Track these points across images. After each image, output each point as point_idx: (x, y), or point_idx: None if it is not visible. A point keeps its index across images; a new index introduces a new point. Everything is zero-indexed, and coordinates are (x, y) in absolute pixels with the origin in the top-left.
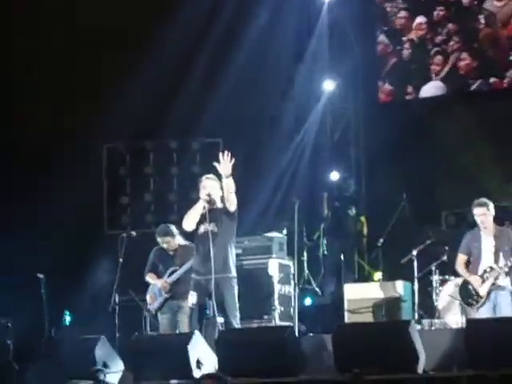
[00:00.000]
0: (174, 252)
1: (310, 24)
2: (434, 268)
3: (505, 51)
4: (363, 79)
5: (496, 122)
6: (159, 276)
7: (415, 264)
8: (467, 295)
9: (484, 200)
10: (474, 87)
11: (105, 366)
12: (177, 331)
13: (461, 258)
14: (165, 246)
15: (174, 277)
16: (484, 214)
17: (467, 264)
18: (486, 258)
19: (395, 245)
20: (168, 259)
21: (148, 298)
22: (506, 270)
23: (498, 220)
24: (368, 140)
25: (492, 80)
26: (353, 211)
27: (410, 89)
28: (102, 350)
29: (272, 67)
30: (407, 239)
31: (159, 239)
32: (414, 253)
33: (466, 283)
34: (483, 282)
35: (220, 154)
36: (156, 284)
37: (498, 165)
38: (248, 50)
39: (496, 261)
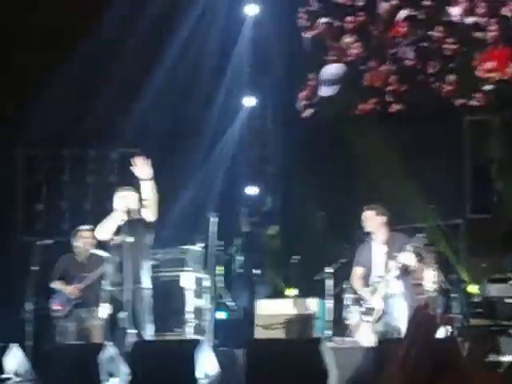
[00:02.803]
0: (84, 259)
1: (233, 38)
2: (346, 286)
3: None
4: (283, 96)
5: (417, 142)
6: (68, 283)
7: (328, 281)
8: (362, 311)
9: (372, 205)
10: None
11: (16, 374)
12: (85, 339)
13: (355, 272)
14: (80, 243)
15: (85, 282)
16: (370, 217)
17: (364, 276)
18: (377, 268)
19: (310, 262)
20: (77, 266)
21: (54, 304)
22: (396, 274)
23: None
24: (285, 156)
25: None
26: (269, 227)
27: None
28: (13, 359)
29: (193, 80)
30: (322, 257)
31: (77, 234)
32: (328, 270)
33: (360, 299)
34: (373, 293)
35: (134, 159)
36: (63, 290)
37: (417, 185)
38: (170, 62)
39: (387, 269)
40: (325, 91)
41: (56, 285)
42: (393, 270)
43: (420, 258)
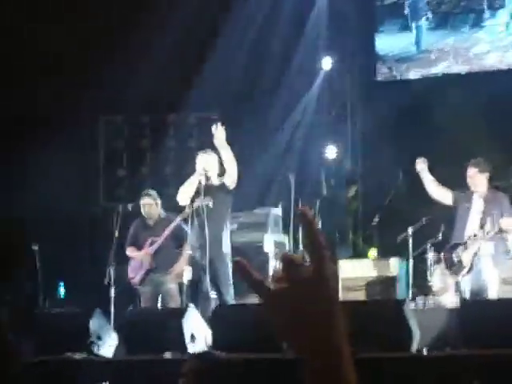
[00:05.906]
0: (153, 223)
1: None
2: (429, 246)
3: None
4: (362, 57)
5: (495, 102)
6: (139, 248)
7: (410, 242)
8: (451, 263)
9: (478, 160)
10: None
11: (99, 338)
12: (159, 304)
13: None
14: (145, 209)
15: (154, 247)
16: (473, 175)
17: None
18: (473, 222)
19: (390, 223)
20: (147, 230)
21: (129, 272)
22: (491, 235)
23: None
24: (365, 118)
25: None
26: (349, 188)
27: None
28: (97, 323)
29: (271, 42)
30: (402, 217)
31: (141, 201)
32: (410, 231)
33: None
34: (466, 249)
35: (213, 126)
36: (135, 257)
37: (498, 145)
38: (247, 24)
39: (482, 226)
40: None
41: (128, 251)
42: (489, 230)
43: None
